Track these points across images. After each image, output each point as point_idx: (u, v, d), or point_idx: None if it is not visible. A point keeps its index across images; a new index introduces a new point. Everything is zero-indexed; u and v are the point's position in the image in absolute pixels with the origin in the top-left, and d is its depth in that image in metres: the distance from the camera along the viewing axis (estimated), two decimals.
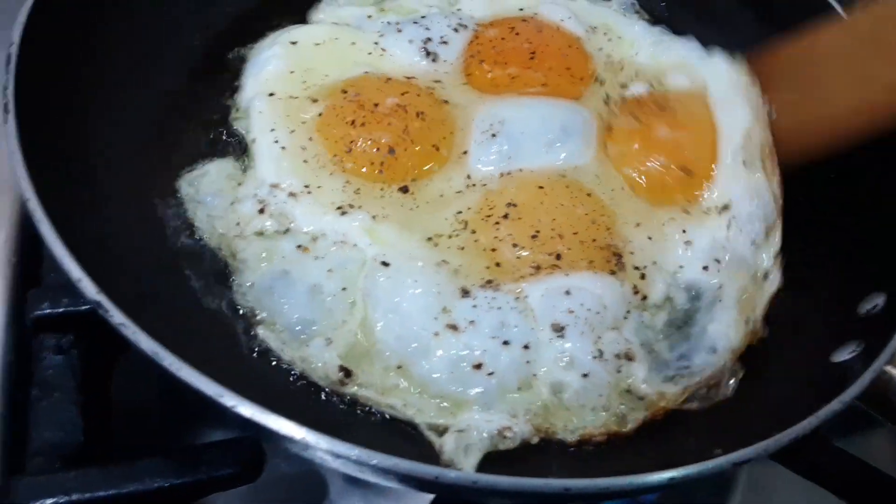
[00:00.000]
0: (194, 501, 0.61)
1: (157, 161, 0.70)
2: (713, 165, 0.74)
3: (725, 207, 0.72)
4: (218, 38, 0.80)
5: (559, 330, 0.63)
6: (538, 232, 0.67)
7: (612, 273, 0.67)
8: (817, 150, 0.74)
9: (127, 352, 0.73)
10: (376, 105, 0.73)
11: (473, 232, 0.68)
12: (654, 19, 0.92)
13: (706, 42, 0.86)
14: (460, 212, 0.70)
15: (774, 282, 0.73)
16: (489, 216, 0.69)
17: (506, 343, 0.62)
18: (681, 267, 0.70)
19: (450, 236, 0.68)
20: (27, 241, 0.70)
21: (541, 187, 0.71)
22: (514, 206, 0.69)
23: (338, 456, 0.48)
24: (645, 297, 0.68)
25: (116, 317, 0.50)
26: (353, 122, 0.72)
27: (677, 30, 0.89)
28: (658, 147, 0.74)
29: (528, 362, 0.62)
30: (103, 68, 0.69)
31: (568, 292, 0.64)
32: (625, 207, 0.72)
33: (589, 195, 0.72)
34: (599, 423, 0.62)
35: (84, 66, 0.68)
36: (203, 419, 0.74)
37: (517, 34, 0.83)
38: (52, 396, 0.61)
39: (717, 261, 0.70)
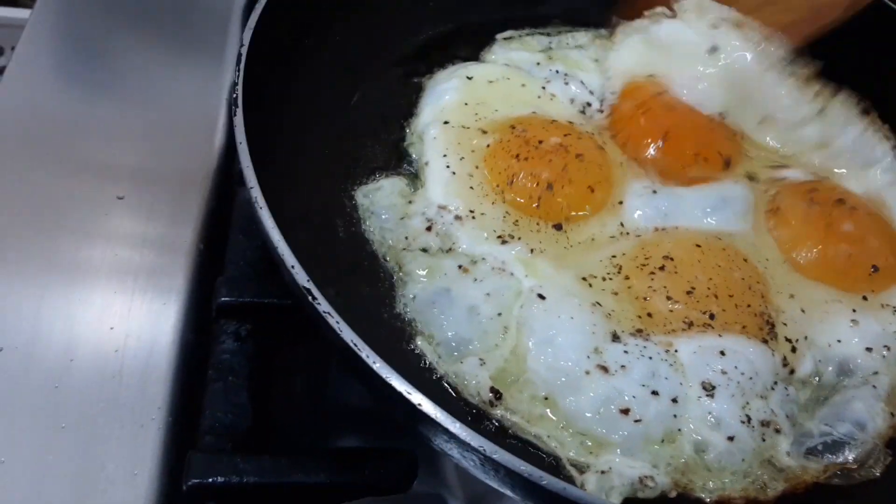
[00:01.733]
0: (348, 502, 0.61)
1: (342, 170, 0.72)
2: None
3: None
4: (403, 65, 0.83)
5: (709, 389, 0.61)
6: (694, 288, 0.65)
7: (765, 341, 0.64)
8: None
9: (289, 347, 0.78)
10: (540, 142, 0.74)
11: (627, 278, 0.67)
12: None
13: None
14: (615, 256, 0.69)
15: None
16: (644, 265, 0.67)
17: (654, 393, 0.60)
18: (838, 342, 0.67)
19: (603, 279, 0.67)
20: (213, 231, 0.72)
21: (698, 245, 0.69)
22: (671, 259, 0.67)
23: (499, 467, 0.47)
24: (793, 371, 0.65)
25: (323, 305, 0.51)
26: (517, 156, 0.73)
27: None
28: (844, 238, 0.72)
29: (675, 416, 0.60)
30: (311, 79, 0.74)
31: (722, 353, 0.62)
32: (779, 279, 0.70)
33: (745, 260, 0.69)
34: (738, 487, 0.59)
35: (294, 76, 0.72)
36: (346, 423, 0.77)
37: (648, 110, 0.79)
38: (227, 380, 0.62)
39: (885, 347, 0.67)
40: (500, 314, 0.64)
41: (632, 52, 0.85)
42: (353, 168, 0.74)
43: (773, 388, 0.63)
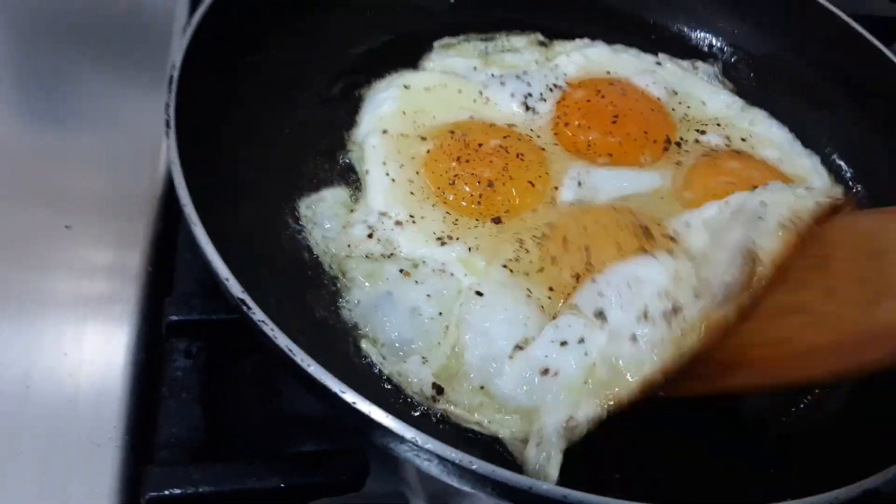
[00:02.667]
0: (304, 503, 0.63)
1: (284, 183, 0.73)
2: None
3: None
4: (343, 76, 0.84)
5: (600, 315, 0.63)
6: (565, 238, 0.69)
7: (643, 250, 0.66)
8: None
9: (239, 360, 0.80)
10: (480, 145, 0.76)
11: (527, 251, 0.69)
12: (740, 90, 0.92)
13: (793, 119, 0.87)
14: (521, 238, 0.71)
15: None
16: (535, 236, 0.70)
17: (563, 343, 0.62)
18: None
19: (515, 260, 0.68)
20: (161, 253, 0.73)
21: (585, 212, 0.73)
22: (553, 226, 0.71)
23: (441, 459, 0.49)
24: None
25: (258, 314, 0.52)
26: (458, 159, 0.75)
27: (763, 104, 0.89)
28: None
29: (585, 354, 0.61)
30: (247, 97, 0.75)
31: (593, 280, 0.65)
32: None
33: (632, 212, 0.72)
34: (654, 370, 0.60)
35: (232, 94, 0.73)
36: (299, 430, 0.78)
37: (602, 97, 0.84)
38: (179, 396, 0.63)
39: None
40: (440, 313, 0.66)
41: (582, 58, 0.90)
42: (295, 181, 0.75)
43: (677, 284, 0.63)
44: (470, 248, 0.70)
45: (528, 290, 0.67)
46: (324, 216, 0.73)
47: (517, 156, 0.76)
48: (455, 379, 0.63)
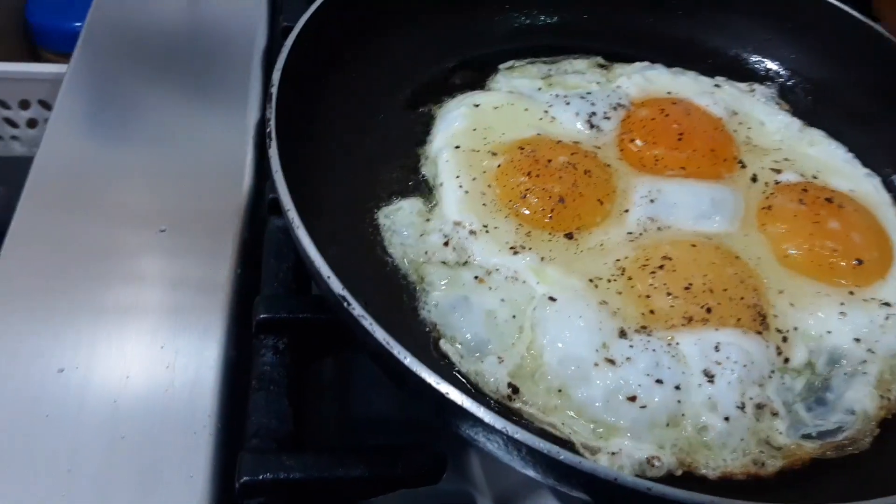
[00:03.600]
0: (383, 493, 0.65)
1: (364, 194, 0.77)
2: (887, 266, 0.76)
3: (887, 304, 0.74)
4: (417, 96, 0.88)
5: (709, 377, 0.64)
6: (691, 284, 0.69)
7: (759, 333, 0.68)
8: None
9: (318, 360, 0.83)
10: (549, 161, 0.78)
11: (630, 279, 0.71)
12: (796, 111, 0.93)
13: (850, 141, 0.88)
14: (618, 259, 0.73)
15: None
16: (645, 266, 0.71)
17: (659, 381, 0.64)
18: (828, 332, 0.70)
19: (608, 280, 0.71)
20: (248, 258, 0.78)
21: (693, 245, 0.73)
22: (669, 259, 0.71)
23: (529, 450, 0.51)
24: (787, 360, 0.68)
25: (357, 309, 0.55)
26: (528, 174, 0.77)
27: (820, 125, 0.91)
28: (830, 234, 0.76)
29: (678, 402, 0.64)
30: (332, 113, 0.79)
31: (718, 345, 0.66)
32: (770, 275, 0.74)
33: (737, 257, 0.73)
34: (739, 464, 0.63)
35: (318, 111, 0.78)
36: (373, 427, 0.82)
37: (666, 115, 0.86)
38: (268, 389, 0.66)
39: (871, 339, 0.71)
40: (514, 316, 0.68)
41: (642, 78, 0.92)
42: (373, 192, 0.79)
43: (769, 377, 0.67)
44: (542, 258, 0.72)
45: (605, 301, 0.69)
46: (401, 225, 0.76)
47: (585, 172, 0.78)
48: (531, 380, 0.65)
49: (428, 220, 0.76)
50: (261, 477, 0.60)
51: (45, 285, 0.71)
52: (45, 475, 0.60)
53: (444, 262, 0.72)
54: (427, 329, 0.68)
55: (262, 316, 0.70)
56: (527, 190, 0.76)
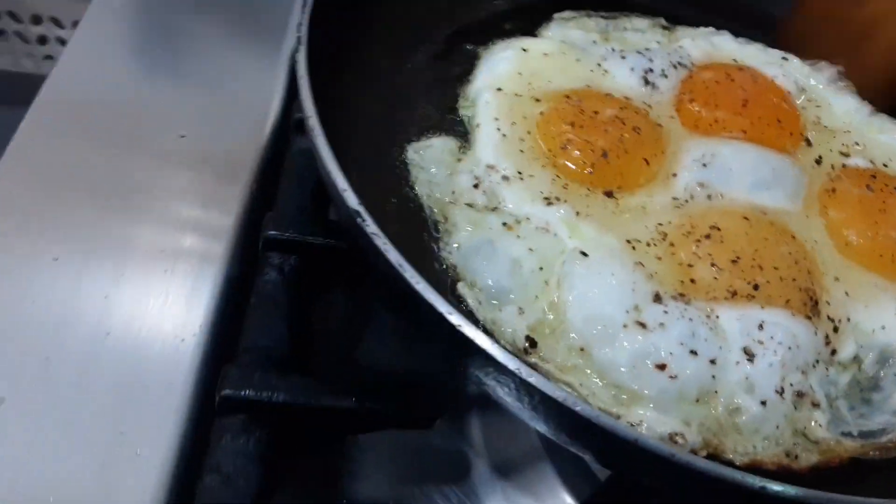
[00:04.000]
0: (370, 430, 0.62)
1: (395, 127, 0.72)
2: None
3: None
4: (461, 35, 0.83)
5: (750, 356, 0.59)
6: (739, 258, 0.63)
7: (808, 318, 0.62)
8: None
9: (327, 292, 0.80)
10: (596, 113, 0.72)
11: (672, 245, 0.65)
12: (864, 96, 0.86)
13: None
14: (661, 224, 0.67)
15: None
16: (690, 233, 0.65)
17: (693, 352, 0.58)
18: (882, 328, 0.64)
19: (648, 244, 0.65)
20: (266, 178, 0.74)
21: (746, 218, 0.67)
22: (718, 229, 0.65)
23: (543, 397, 0.46)
24: (834, 352, 0.63)
25: (371, 226, 0.50)
26: (572, 124, 0.71)
27: (886, 109, 0.84)
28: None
29: (712, 377, 0.58)
30: (372, 39, 0.74)
31: (763, 323, 0.60)
32: (826, 261, 0.68)
33: (793, 237, 0.67)
34: (770, 453, 0.58)
35: (358, 34, 0.73)
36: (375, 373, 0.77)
37: (732, 80, 0.79)
38: (267, 307, 0.63)
39: None
40: (541, 268, 0.63)
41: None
42: (405, 126, 0.73)
43: (814, 366, 0.61)
44: (578, 213, 0.66)
45: (642, 263, 0.63)
46: (431, 161, 0.71)
47: (633, 129, 0.72)
48: (552, 335, 0.60)
49: (459, 160, 0.71)
50: (243, 392, 0.56)
51: (50, 178, 0.68)
52: (25, 358, 0.57)
53: (470, 205, 0.67)
54: (445, 269, 0.63)
55: (270, 232, 0.66)
56: (568, 140, 0.70)
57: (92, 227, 0.65)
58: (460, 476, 0.69)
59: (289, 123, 0.78)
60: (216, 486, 0.53)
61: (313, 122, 0.56)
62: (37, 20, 1.27)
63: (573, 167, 0.69)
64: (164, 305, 0.61)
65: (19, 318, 0.58)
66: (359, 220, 0.51)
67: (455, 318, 0.47)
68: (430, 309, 0.47)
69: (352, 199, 0.52)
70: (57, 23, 1.29)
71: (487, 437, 0.72)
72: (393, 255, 0.49)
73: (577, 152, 0.70)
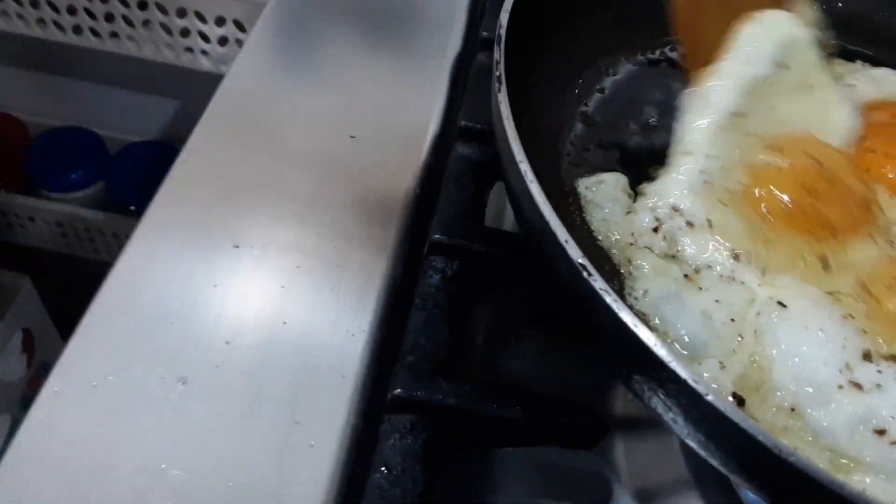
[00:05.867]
0: (531, 445, 0.59)
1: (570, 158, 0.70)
2: None
3: None
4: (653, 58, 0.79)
5: None
6: None
7: None
8: None
9: (478, 301, 0.79)
10: (837, 178, 0.64)
11: (876, 297, 0.59)
12: None
13: None
14: (864, 275, 0.61)
15: None
16: (894, 283, 0.60)
17: None
18: None
19: (851, 296, 0.59)
20: (428, 182, 0.75)
21: None
22: None
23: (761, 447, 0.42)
24: None
25: (599, 282, 0.47)
26: (805, 188, 0.63)
27: None
28: None
29: None
30: (553, 68, 0.72)
31: None
32: None
33: None
34: None
35: (540, 63, 0.69)
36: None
37: None
38: (430, 310, 0.61)
39: None
40: (732, 320, 0.57)
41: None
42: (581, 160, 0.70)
43: None
44: (765, 270, 0.60)
45: (851, 314, 0.57)
46: (605, 199, 0.66)
47: (863, 201, 0.64)
48: (758, 393, 0.55)
49: (635, 198, 0.66)
50: (415, 394, 0.54)
51: (227, 176, 0.70)
52: (209, 340, 0.58)
53: (650, 249, 0.62)
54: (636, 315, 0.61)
55: (436, 237, 0.65)
56: (800, 207, 0.62)
57: (267, 222, 0.66)
58: (600, 499, 0.66)
59: (452, 129, 0.77)
60: (385, 484, 0.52)
61: (525, 167, 0.53)
62: (220, 21, 1.33)
63: (796, 237, 0.62)
64: (336, 300, 0.61)
65: (204, 301, 0.59)
66: (584, 273, 0.47)
67: (659, 350, 0.45)
68: (664, 365, 0.45)
69: (575, 253, 0.48)
70: (240, 26, 1.34)
71: (630, 460, 0.69)
72: (626, 316, 0.46)
73: (809, 221, 0.62)
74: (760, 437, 0.42)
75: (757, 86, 0.71)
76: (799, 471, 0.41)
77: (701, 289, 0.59)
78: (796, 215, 0.62)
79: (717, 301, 0.58)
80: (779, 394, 0.54)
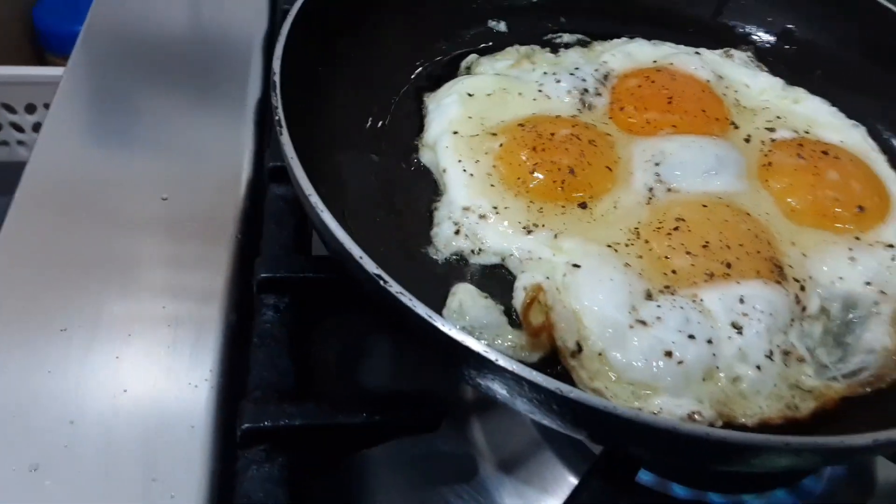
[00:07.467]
0: (383, 441, 0.63)
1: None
2: (886, 210, 0.76)
3: (891, 246, 0.73)
4: (407, 85, 0.87)
5: (738, 328, 0.63)
6: (708, 242, 0.67)
7: (778, 283, 0.66)
8: None
9: (320, 323, 0.82)
10: (552, 134, 0.75)
11: (647, 242, 0.69)
12: (773, 72, 0.93)
13: (829, 95, 0.88)
14: (633, 225, 0.71)
15: None
16: (660, 228, 0.69)
17: (691, 337, 0.61)
18: (840, 279, 0.69)
19: (626, 245, 0.68)
20: (248, 226, 0.76)
21: (704, 206, 0.71)
22: (683, 220, 0.69)
23: (562, 401, 0.49)
24: (804, 308, 0.67)
25: (395, 287, 0.52)
26: (534, 148, 0.74)
27: (800, 83, 0.91)
28: (830, 184, 0.76)
29: (713, 355, 0.61)
30: (331, 101, 0.77)
31: (742, 297, 0.64)
32: (780, 229, 0.72)
33: (748, 214, 0.72)
34: (774, 409, 0.61)
35: (318, 98, 0.75)
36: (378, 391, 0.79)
37: (653, 81, 0.85)
38: (269, 346, 0.64)
39: (881, 281, 0.70)
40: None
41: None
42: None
43: (791, 325, 0.65)
44: (556, 235, 0.69)
45: (628, 263, 0.66)
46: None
47: (589, 142, 0.75)
48: (586, 343, 0.62)
49: (436, 209, 0.73)
50: (262, 424, 0.56)
51: (47, 257, 0.69)
52: (51, 423, 0.58)
53: (457, 253, 0.70)
54: None
55: (262, 275, 0.67)
56: (535, 164, 0.73)
57: (94, 296, 0.65)
58: (469, 476, 0.69)
59: (262, 171, 0.80)
60: None
61: (315, 199, 0.58)
62: (31, 109, 1.28)
63: (545, 188, 0.72)
64: (172, 357, 0.61)
65: (39, 387, 0.58)
66: (380, 282, 0.53)
67: (476, 346, 0.50)
68: (475, 353, 0.50)
69: (370, 265, 0.54)
70: (9, 108, 1.30)
71: (488, 436, 0.73)
72: (422, 310, 0.52)
73: (546, 173, 0.72)
74: (552, 387, 0.48)
75: (476, 101, 0.83)
76: (599, 410, 0.48)
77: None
78: (535, 172, 0.73)
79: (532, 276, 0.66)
80: (590, 341, 0.62)
